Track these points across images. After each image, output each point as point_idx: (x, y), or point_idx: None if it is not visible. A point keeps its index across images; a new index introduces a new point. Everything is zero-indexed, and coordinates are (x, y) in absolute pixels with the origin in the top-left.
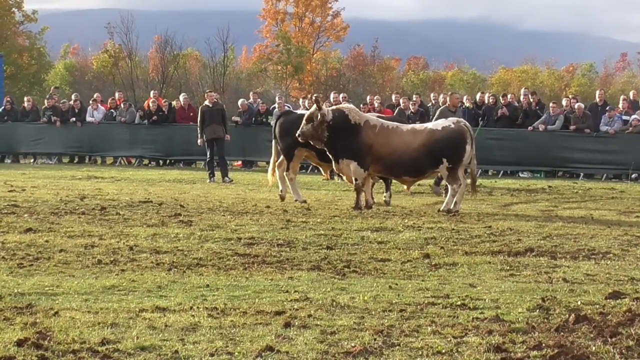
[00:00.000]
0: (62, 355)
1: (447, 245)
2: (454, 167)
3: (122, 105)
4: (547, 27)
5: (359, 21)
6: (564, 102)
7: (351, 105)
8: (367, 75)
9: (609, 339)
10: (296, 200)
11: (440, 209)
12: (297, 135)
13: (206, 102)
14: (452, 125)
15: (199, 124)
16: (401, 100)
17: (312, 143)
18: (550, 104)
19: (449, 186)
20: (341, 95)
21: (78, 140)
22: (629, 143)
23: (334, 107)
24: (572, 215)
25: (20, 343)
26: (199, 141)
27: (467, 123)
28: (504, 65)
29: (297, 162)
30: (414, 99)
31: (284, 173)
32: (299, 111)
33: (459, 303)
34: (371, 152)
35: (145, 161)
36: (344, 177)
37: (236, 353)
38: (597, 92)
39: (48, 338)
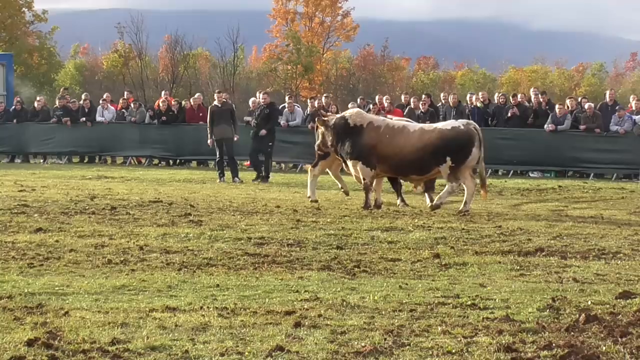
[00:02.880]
0: (72, 355)
1: (457, 245)
2: (456, 167)
3: (132, 105)
4: (558, 27)
5: (368, 21)
6: (568, 102)
7: (355, 110)
8: (377, 75)
9: (620, 339)
10: (309, 197)
11: (459, 210)
12: (315, 147)
13: (215, 102)
14: (462, 127)
15: (208, 124)
16: (411, 100)
17: (324, 149)
18: (557, 107)
19: (447, 183)
20: (359, 98)
21: (88, 140)
22: (639, 143)
23: (341, 114)
24: (582, 215)
25: (30, 343)
26: (208, 141)
27: (476, 126)
28: (514, 65)
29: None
30: (424, 99)
31: (309, 168)
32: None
33: (469, 303)
34: (376, 152)
35: (155, 161)
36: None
37: (246, 353)
38: (607, 92)
39: (58, 338)
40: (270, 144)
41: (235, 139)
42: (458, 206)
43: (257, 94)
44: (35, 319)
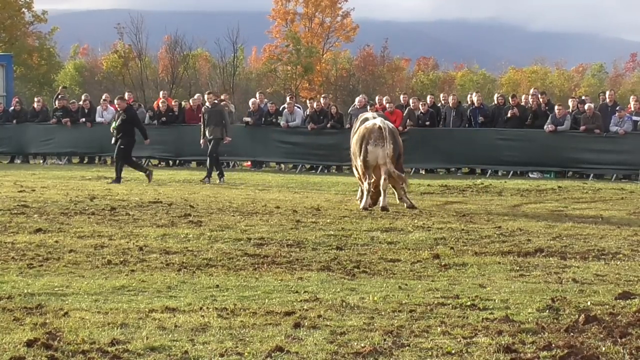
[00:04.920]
0: (71, 355)
1: (457, 246)
2: (362, 164)
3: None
4: (557, 28)
5: (368, 21)
6: (570, 103)
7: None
8: (377, 76)
9: (619, 340)
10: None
11: (360, 206)
12: None
13: (206, 104)
14: (365, 125)
15: (202, 124)
16: (410, 100)
17: None
18: (556, 107)
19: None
20: (361, 96)
21: (88, 141)
22: (639, 143)
23: None
24: (581, 216)
25: (30, 343)
26: (201, 141)
27: (379, 125)
28: (513, 65)
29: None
30: (428, 100)
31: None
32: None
33: (468, 303)
34: None
35: (155, 161)
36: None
37: (246, 353)
38: (607, 93)
39: (58, 338)
40: (122, 147)
41: (227, 140)
42: (458, 207)
43: (257, 94)
44: (35, 319)
